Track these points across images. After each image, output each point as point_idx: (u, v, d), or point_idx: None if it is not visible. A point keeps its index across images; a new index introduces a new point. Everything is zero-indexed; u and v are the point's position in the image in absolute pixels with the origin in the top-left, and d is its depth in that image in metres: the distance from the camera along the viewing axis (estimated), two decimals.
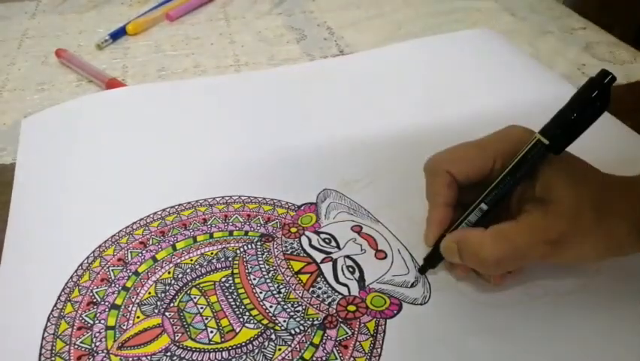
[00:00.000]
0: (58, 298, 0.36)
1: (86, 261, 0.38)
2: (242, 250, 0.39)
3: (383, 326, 0.34)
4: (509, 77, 0.55)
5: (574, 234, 0.31)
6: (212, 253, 0.39)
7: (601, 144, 0.43)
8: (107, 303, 0.35)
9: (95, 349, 0.33)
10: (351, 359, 0.32)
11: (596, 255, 0.33)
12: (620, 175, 0.34)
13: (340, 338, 0.34)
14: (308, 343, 0.33)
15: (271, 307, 0.35)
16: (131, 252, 0.39)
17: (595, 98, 0.31)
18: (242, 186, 0.44)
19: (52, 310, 0.35)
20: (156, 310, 0.35)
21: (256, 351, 0.33)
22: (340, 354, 0.33)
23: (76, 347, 0.33)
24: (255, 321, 0.34)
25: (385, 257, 0.38)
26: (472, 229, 0.34)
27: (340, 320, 0.34)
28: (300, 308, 0.35)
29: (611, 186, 0.33)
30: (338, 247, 0.39)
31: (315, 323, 0.34)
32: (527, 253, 0.32)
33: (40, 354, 0.33)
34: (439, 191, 0.35)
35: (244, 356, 0.33)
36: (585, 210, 0.31)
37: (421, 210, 0.37)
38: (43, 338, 0.34)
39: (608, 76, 0.30)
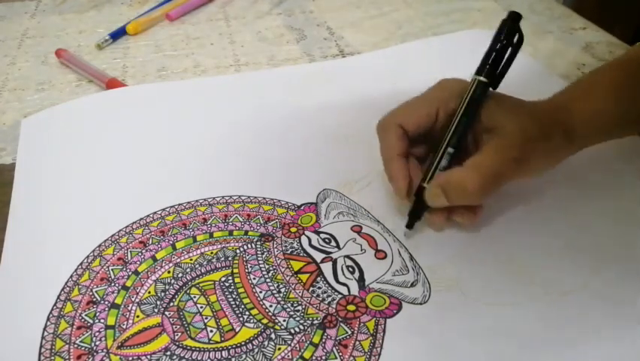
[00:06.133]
0: (58, 297, 0.36)
1: (85, 260, 0.38)
2: (242, 249, 0.39)
3: (383, 326, 0.34)
4: (509, 77, 0.55)
5: (527, 149, 0.36)
6: (212, 253, 0.39)
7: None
8: (106, 302, 0.35)
9: (94, 348, 0.33)
10: (351, 358, 0.32)
11: (547, 165, 0.38)
12: (540, 100, 0.39)
13: (340, 337, 0.34)
14: (308, 342, 0.33)
15: (271, 306, 0.35)
16: (130, 251, 0.39)
17: (510, 34, 0.36)
18: (242, 186, 0.44)
19: (52, 310, 0.35)
20: (156, 310, 0.35)
21: (256, 350, 0.33)
22: (340, 353, 0.33)
23: (75, 346, 0.33)
24: (255, 320, 0.34)
25: (385, 257, 0.38)
26: (450, 171, 0.36)
27: (340, 319, 0.34)
28: (299, 308, 0.35)
29: (539, 107, 0.38)
30: (338, 246, 0.39)
31: (315, 322, 0.34)
32: (502, 173, 0.36)
33: (40, 353, 0.33)
34: (393, 144, 0.38)
35: (244, 356, 0.33)
36: (528, 126, 0.36)
37: None
38: (42, 337, 0.34)
39: (515, 14, 0.37)
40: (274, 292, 0.36)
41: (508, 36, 0.37)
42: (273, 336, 0.34)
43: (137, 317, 0.35)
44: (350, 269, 0.37)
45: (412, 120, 0.38)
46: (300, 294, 0.36)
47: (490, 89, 0.37)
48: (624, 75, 0.41)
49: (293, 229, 0.40)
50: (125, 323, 0.34)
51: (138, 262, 0.38)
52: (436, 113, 0.38)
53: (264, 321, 0.34)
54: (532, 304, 0.35)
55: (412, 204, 0.38)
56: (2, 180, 0.46)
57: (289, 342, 0.33)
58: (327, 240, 0.39)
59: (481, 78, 0.37)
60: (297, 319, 0.35)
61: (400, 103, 0.40)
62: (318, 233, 0.40)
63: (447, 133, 0.37)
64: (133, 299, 0.36)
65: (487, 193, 0.36)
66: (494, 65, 0.37)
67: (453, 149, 0.37)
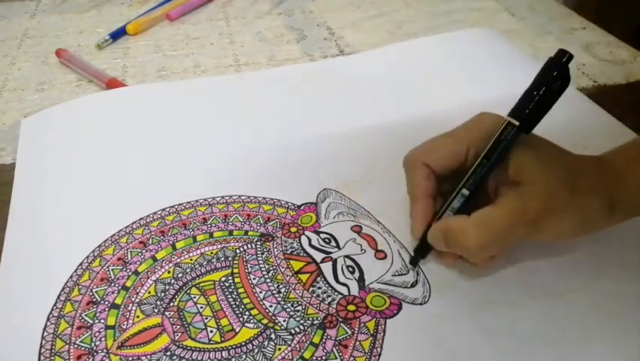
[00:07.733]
0: (58, 297, 0.36)
1: (85, 260, 0.38)
2: (242, 249, 0.39)
3: (383, 326, 0.34)
4: (509, 77, 0.55)
5: (550, 212, 0.32)
6: (212, 253, 0.39)
7: (600, 144, 0.42)
8: (106, 302, 0.35)
9: (94, 348, 0.33)
10: (351, 358, 0.32)
11: (573, 232, 0.34)
12: (589, 155, 0.35)
13: (340, 337, 0.33)
14: (308, 342, 0.33)
15: (271, 306, 0.35)
16: (130, 251, 0.39)
17: (555, 77, 0.32)
18: (242, 186, 0.44)
19: (52, 310, 0.35)
20: (156, 310, 0.35)
21: (256, 351, 0.33)
22: (340, 354, 0.33)
23: (75, 346, 0.33)
24: (255, 321, 0.34)
25: (385, 257, 0.38)
26: (455, 218, 0.35)
27: (340, 319, 0.34)
28: (299, 308, 0.35)
29: (581, 164, 0.34)
30: (338, 246, 0.39)
31: (315, 322, 0.34)
32: (508, 236, 0.33)
33: (40, 353, 0.33)
34: (418, 183, 0.36)
35: (244, 356, 0.33)
36: (558, 189, 0.32)
37: None
38: (42, 337, 0.34)
39: (565, 54, 0.32)
40: (274, 292, 0.36)
41: (555, 79, 0.32)
42: (273, 336, 0.34)
43: (137, 317, 0.35)
44: (350, 269, 0.37)
45: (440, 159, 0.36)
46: (300, 294, 0.36)
47: (528, 133, 0.33)
48: None
49: (293, 229, 0.40)
50: (125, 323, 0.34)
51: (138, 262, 0.38)
52: (466, 152, 0.35)
53: (264, 321, 0.34)
54: (532, 304, 0.35)
55: (419, 242, 0.37)
56: (2, 180, 0.46)
57: (289, 342, 0.33)
58: (327, 240, 0.39)
59: (512, 120, 0.33)
60: (297, 319, 0.35)
61: (429, 137, 0.37)
62: (318, 233, 0.40)
63: (466, 174, 0.35)
64: (133, 299, 0.36)
65: (487, 252, 0.33)
66: (531, 107, 0.33)
67: (468, 191, 0.34)
